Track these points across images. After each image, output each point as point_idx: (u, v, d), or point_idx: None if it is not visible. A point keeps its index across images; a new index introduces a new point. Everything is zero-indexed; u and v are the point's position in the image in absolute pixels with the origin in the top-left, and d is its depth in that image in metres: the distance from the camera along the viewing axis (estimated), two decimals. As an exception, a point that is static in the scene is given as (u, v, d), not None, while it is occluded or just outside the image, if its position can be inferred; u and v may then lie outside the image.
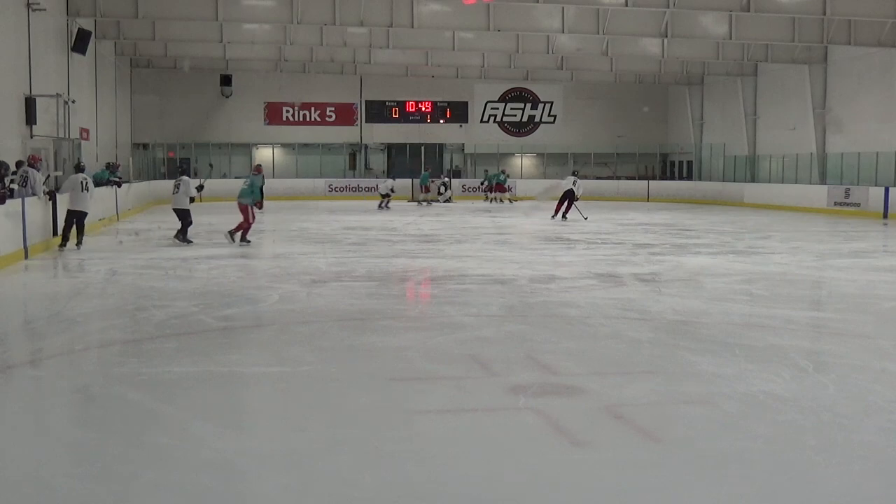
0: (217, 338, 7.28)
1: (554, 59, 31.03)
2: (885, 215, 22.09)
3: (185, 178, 15.26)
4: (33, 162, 14.43)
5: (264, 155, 35.56)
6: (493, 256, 13.39)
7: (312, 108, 35.94)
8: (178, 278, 10.61)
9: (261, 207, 15.06)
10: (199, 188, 15.35)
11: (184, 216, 14.81)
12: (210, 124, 35.09)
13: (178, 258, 12.89)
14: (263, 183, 15.42)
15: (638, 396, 5.31)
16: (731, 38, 24.54)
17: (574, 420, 4.78)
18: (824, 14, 22.23)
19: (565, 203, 21.69)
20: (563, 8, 23.25)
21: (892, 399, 5.27)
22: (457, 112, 36.74)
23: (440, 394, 5.41)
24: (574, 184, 21.70)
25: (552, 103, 37.42)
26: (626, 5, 22.00)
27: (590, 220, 21.76)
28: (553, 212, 21.88)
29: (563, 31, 24.11)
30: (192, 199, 14.84)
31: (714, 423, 4.82)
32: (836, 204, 24.59)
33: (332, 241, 15.81)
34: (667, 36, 24.21)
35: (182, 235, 14.75)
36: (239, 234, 14.80)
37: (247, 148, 35.55)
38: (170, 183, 31.94)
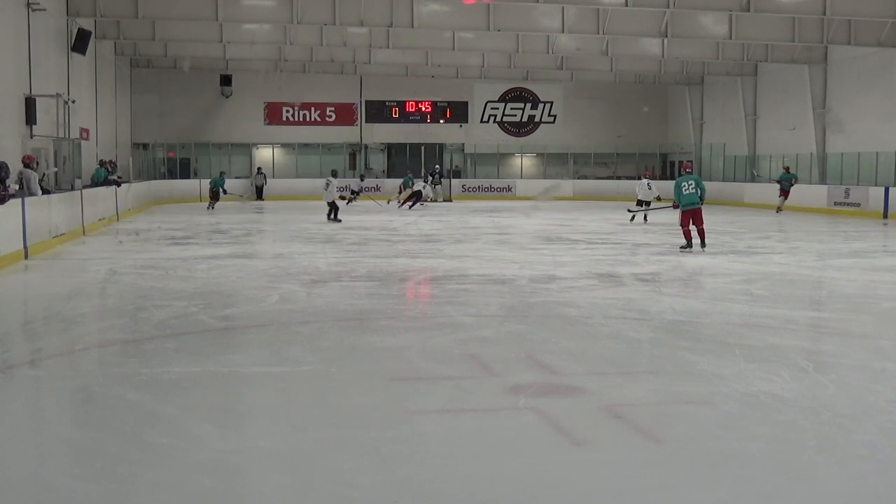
0: (217, 338, 7.28)
1: (554, 59, 31.01)
2: (885, 215, 22.08)
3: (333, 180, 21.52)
4: (28, 162, 14.46)
5: (264, 155, 35.59)
6: (493, 256, 13.39)
7: (312, 108, 35.93)
8: (178, 278, 10.61)
9: (675, 208, 14.01)
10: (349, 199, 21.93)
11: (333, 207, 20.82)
12: (210, 124, 35.08)
13: (178, 258, 12.90)
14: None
15: (638, 396, 5.31)
16: (731, 38, 24.52)
17: (574, 420, 4.78)
18: (824, 14, 22.22)
19: (643, 206, 20.37)
20: (563, 8, 23.23)
21: (892, 399, 5.28)
22: (457, 112, 36.72)
23: (440, 394, 5.41)
24: (649, 187, 20.86)
25: (552, 103, 37.41)
26: (626, 5, 21.98)
27: (590, 221, 21.76)
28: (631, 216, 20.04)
29: (563, 31, 24.08)
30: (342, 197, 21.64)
31: (714, 423, 4.81)
32: (836, 204, 24.57)
33: (332, 241, 15.81)
34: (667, 36, 24.20)
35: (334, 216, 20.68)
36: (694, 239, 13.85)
37: (247, 148, 35.55)
38: (170, 183, 32.23)
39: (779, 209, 24.68)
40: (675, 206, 14.00)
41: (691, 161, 16.66)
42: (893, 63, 24.37)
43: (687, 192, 13.65)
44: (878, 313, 8.66)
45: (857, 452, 4.32)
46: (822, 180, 27.18)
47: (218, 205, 26.00)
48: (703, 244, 13.73)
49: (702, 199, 13.68)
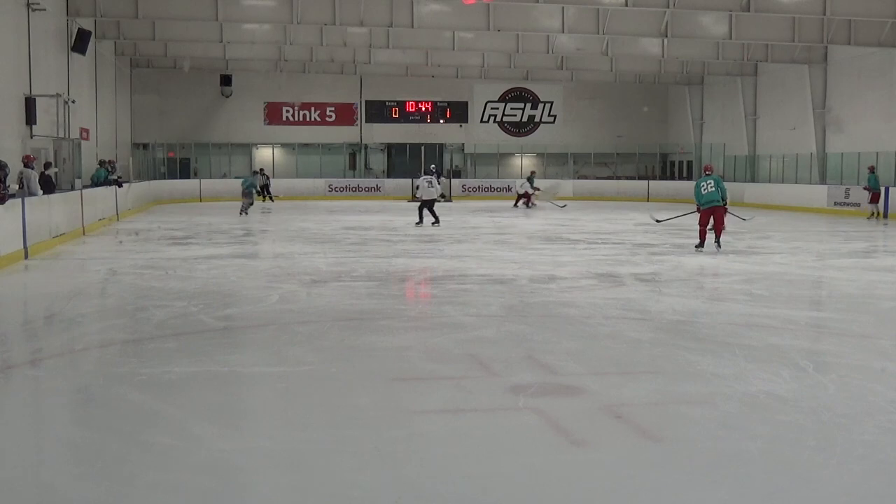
0: (217, 338, 7.27)
1: (554, 59, 31.02)
2: (885, 215, 22.07)
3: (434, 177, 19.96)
4: (28, 162, 14.48)
5: (264, 155, 35.58)
6: (493, 256, 13.39)
7: (312, 108, 35.95)
8: (178, 278, 10.61)
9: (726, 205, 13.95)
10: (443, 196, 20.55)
11: (430, 205, 19.20)
12: (210, 124, 35.09)
13: (178, 258, 12.90)
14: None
15: (638, 396, 5.31)
16: (731, 38, 24.52)
17: (574, 420, 4.78)
18: (824, 14, 22.22)
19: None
20: (563, 8, 23.24)
21: (892, 399, 5.27)
22: (457, 112, 36.74)
23: (440, 394, 5.41)
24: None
25: (552, 103, 37.42)
26: (626, 5, 21.99)
27: (590, 221, 21.73)
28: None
29: (563, 31, 24.09)
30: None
31: (714, 423, 4.81)
32: (836, 204, 24.57)
33: (332, 241, 15.80)
34: (667, 36, 24.20)
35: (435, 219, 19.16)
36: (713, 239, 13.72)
37: (247, 148, 35.57)
38: (170, 183, 32.18)
39: (872, 215, 21.76)
40: (699, 210, 13.89)
41: (711, 164, 16.10)
42: (893, 63, 24.37)
43: (706, 191, 13.62)
44: (878, 313, 8.66)
45: (857, 452, 4.31)
46: (822, 180, 27.17)
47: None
48: (716, 241, 13.68)
49: (724, 199, 13.59)
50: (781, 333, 7.34)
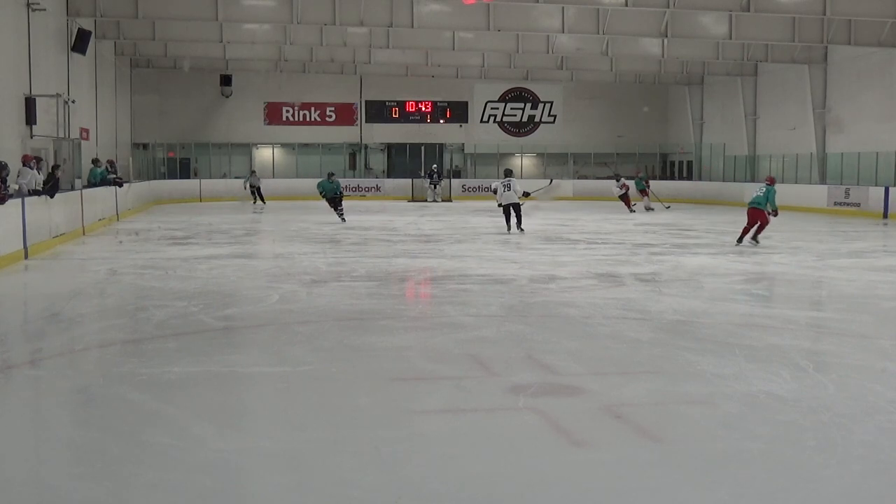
0: (217, 338, 7.28)
1: (554, 59, 31.01)
2: (885, 215, 22.08)
3: (513, 179, 17.94)
4: (25, 161, 14.50)
5: (264, 155, 35.57)
6: (493, 256, 13.39)
7: (312, 108, 35.92)
8: (178, 278, 10.61)
9: (775, 215, 14.79)
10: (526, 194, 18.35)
11: (517, 209, 17.52)
12: (210, 124, 35.07)
13: (178, 258, 12.90)
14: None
15: (638, 396, 5.31)
16: (731, 38, 24.51)
17: (574, 420, 4.78)
18: (824, 14, 22.20)
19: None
20: (563, 8, 23.23)
21: (892, 399, 5.27)
22: (457, 112, 36.72)
23: (440, 394, 5.41)
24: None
25: (552, 103, 37.40)
26: (626, 5, 21.97)
27: (590, 221, 21.71)
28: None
29: (563, 31, 24.08)
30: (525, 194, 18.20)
31: (714, 423, 4.82)
32: (836, 204, 24.57)
33: (332, 241, 15.80)
34: (667, 36, 24.19)
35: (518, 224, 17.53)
36: (750, 235, 14.83)
37: (247, 148, 35.54)
38: (170, 183, 32.12)
39: None
40: (774, 214, 14.83)
41: (773, 176, 16.27)
42: (893, 63, 24.36)
43: (754, 193, 14.88)
44: (878, 313, 8.66)
45: (857, 452, 4.31)
46: (822, 180, 27.17)
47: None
48: (752, 237, 14.66)
49: (773, 210, 14.50)
50: (781, 333, 7.34)
